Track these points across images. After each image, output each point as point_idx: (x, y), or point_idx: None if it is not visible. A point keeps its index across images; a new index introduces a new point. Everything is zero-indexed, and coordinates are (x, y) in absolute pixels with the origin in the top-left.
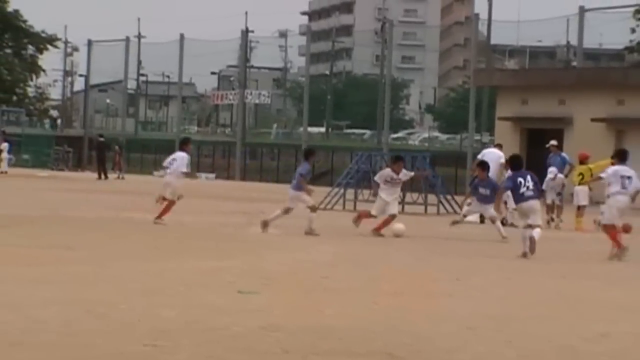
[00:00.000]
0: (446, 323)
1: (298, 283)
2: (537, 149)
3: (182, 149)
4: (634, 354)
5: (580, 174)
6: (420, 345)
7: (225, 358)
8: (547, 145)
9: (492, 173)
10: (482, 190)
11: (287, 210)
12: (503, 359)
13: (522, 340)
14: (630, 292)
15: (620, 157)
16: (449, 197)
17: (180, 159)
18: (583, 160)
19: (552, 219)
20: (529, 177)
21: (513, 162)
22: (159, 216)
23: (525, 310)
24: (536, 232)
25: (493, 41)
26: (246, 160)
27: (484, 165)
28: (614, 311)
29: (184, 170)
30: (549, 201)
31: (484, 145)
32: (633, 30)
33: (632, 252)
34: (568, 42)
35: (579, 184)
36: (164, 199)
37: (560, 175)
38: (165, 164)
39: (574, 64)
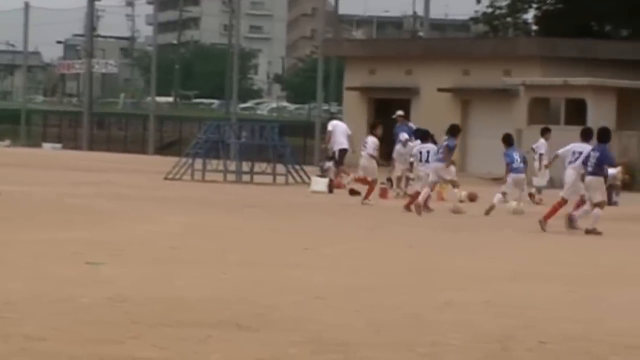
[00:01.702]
0: (295, 293)
1: (147, 254)
2: (384, 119)
3: (371, 133)
4: (478, 322)
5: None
6: (269, 316)
7: (72, 329)
8: (394, 116)
9: (344, 145)
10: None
11: (433, 185)
12: (351, 328)
13: (371, 310)
14: (475, 261)
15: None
16: (297, 167)
17: (369, 144)
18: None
19: (401, 189)
20: (592, 153)
21: (602, 135)
22: (366, 197)
23: (374, 279)
24: (596, 211)
25: (341, 11)
26: (93, 130)
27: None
28: (460, 279)
29: (371, 152)
30: (399, 172)
31: (332, 115)
32: (478, 1)
33: (480, 222)
34: (415, 13)
35: None
36: (360, 180)
37: (411, 144)
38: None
39: (421, 34)
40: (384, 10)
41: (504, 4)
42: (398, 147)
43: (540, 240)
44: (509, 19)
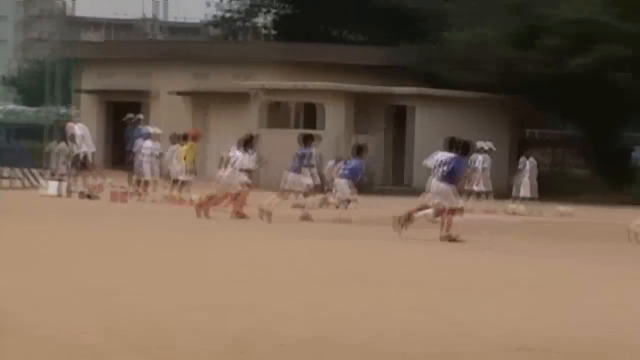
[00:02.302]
0: (29, 298)
1: None
2: (121, 121)
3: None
4: (214, 324)
5: (187, 149)
6: (6, 322)
7: None
8: (126, 119)
9: (92, 148)
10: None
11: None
12: (90, 332)
13: (109, 313)
14: (210, 263)
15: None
16: (31, 170)
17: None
18: (193, 137)
19: (140, 193)
20: (450, 161)
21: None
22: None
23: (110, 283)
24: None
25: (77, 13)
26: None
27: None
28: (200, 281)
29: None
30: (148, 177)
31: (70, 119)
32: (209, 5)
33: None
34: (149, 16)
35: (182, 159)
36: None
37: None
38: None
39: (158, 37)
40: (121, 13)
41: (241, 8)
42: (148, 143)
43: (282, 242)
44: (244, 23)
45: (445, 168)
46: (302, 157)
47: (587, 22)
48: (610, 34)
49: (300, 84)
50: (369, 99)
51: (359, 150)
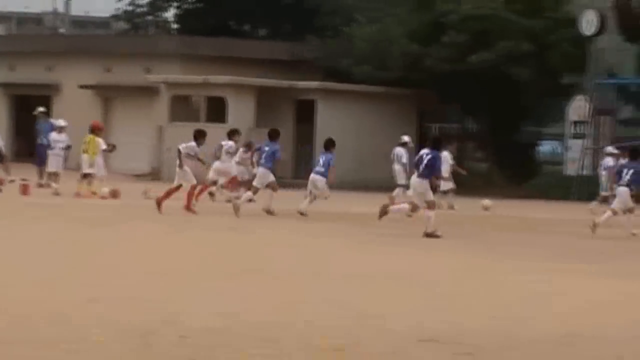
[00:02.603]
0: None
1: None
2: (26, 115)
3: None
4: (121, 317)
5: (88, 142)
6: None
7: None
8: (35, 112)
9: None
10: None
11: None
12: None
13: (12, 306)
14: (116, 256)
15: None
16: None
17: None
18: (94, 130)
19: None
20: (424, 156)
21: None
22: None
23: (13, 275)
24: (427, 213)
25: None
26: None
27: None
28: (102, 275)
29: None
30: (54, 169)
31: None
32: None
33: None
34: (55, 9)
35: (85, 152)
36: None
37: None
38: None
39: (62, 31)
40: (24, 6)
41: (144, 1)
42: (54, 136)
43: (178, 237)
44: (150, 17)
45: (425, 164)
46: (272, 153)
47: (488, 18)
48: (511, 30)
49: (201, 78)
50: (274, 93)
51: (328, 144)
